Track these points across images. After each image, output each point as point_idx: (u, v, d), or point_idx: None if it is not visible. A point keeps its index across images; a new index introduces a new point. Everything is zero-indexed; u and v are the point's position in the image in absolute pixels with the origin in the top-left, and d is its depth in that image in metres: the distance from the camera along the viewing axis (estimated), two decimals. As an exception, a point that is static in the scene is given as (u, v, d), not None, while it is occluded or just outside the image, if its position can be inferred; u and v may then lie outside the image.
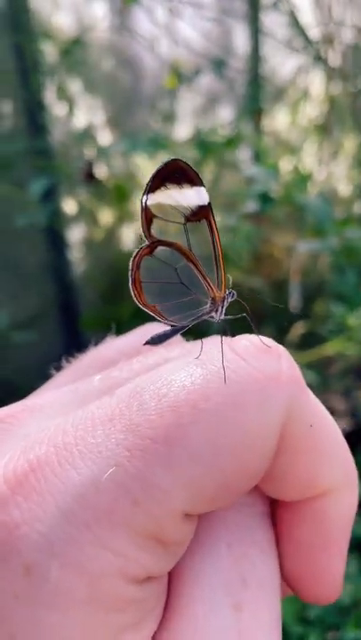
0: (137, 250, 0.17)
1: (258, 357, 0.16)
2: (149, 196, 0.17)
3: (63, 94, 0.85)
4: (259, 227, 0.91)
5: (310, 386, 0.17)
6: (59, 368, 0.21)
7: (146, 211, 0.17)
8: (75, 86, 0.88)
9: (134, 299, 0.18)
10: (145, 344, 0.18)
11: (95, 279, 0.94)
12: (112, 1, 0.81)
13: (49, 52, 0.84)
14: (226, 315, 0.19)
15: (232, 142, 0.82)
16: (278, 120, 1.06)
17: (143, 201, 0.17)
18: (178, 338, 0.20)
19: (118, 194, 0.88)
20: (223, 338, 0.17)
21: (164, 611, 0.16)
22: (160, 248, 0.18)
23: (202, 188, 0.17)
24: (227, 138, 0.82)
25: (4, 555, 0.13)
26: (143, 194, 0.17)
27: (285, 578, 0.17)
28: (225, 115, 1.03)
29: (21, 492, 0.14)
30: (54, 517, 0.14)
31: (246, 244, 0.87)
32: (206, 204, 0.17)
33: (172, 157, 0.17)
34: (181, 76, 0.86)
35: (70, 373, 0.20)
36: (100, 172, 0.83)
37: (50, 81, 0.85)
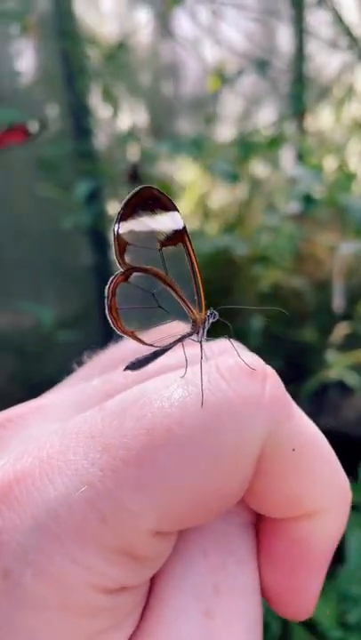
0: (112, 277, 0.18)
1: (240, 380, 0.16)
2: (121, 224, 0.17)
3: (108, 97, 0.86)
4: (301, 227, 0.90)
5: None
6: (81, 364, 0.22)
7: (118, 239, 0.17)
8: (119, 90, 0.90)
9: (112, 326, 0.18)
10: (125, 369, 0.18)
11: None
12: (155, 5, 0.82)
13: (94, 56, 0.85)
14: (208, 336, 0.19)
15: (275, 143, 0.82)
16: (322, 119, 1.04)
17: (115, 230, 0.17)
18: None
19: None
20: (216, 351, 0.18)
21: (143, 612, 0.16)
22: (137, 274, 0.18)
23: (175, 213, 0.18)
24: (269, 138, 0.82)
25: None
26: (115, 222, 0.17)
27: (262, 589, 0.17)
28: (268, 115, 1.03)
29: (5, 502, 0.15)
30: (30, 528, 0.14)
31: (288, 245, 0.86)
32: (181, 228, 0.18)
33: (144, 185, 0.17)
34: (224, 78, 0.87)
35: (85, 372, 0.21)
36: (144, 173, 0.84)
37: (94, 85, 0.86)
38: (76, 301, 0.89)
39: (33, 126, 0.58)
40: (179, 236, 0.18)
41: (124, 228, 0.17)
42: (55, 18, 0.82)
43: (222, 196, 0.98)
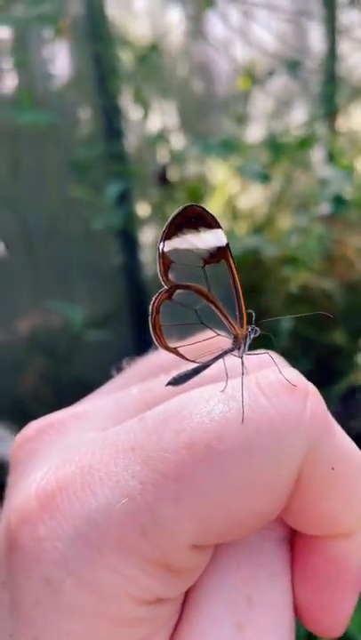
0: (156, 295, 0.18)
1: (280, 396, 0.16)
2: (166, 242, 0.18)
3: (139, 99, 0.87)
4: (332, 228, 0.89)
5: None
6: (120, 369, 0.22)
7: (163, 257, 0.18)
8: (150, 91, 0.90)
9: (155, 342, 0.18)
10: (167, 385, 0.18)
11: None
12: (186, 7, 0.82)
13: (126, 58, 0.86)
14: (249, 350, 0.19)
15: (305, 143, 0.81)
16: (354, 120, 1.03)
17: (160, 248, 0.18)
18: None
19: (191, 197, 0.89)
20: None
21: (178, 621, 0.16)
22: (180, 291, 0.18)
23: (219, 231, 0.18)
24: (300, 139, 0.82)
25: (30, 563, 0.15)
26: (160, 241, 0.18)
27: (294, 605, 0.17)
28: (299, 115, 1.02)
29: (48, 510, 0.15)
30: (71, 538, 0.15)
31: (318, 246, 0.85)
32: (224, 245, 0.18)
33: (188, 204, 0.17)
34: (255, 78, 0.86)
35: (123, 379, 0.21)
36: (174, 175, 0.85)
37: (126, 86, 0.87)
38: (106, 302, 0.90)
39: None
40: (222, 254, 0.18)
41: (169, 246, 0.18)
42: (88, 20, 0.83)
43: (252, 197, 0.97)
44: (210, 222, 0.18)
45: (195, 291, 0.18)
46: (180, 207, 0.17)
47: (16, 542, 0.15)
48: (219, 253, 0.18)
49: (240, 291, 0.18)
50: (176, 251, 0.18)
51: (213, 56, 0.90)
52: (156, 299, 0.18)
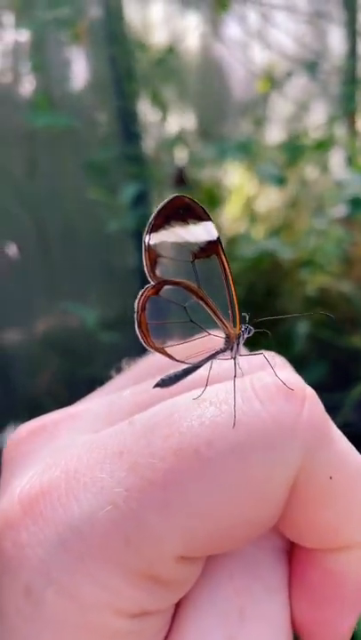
0: (141, 291, 0.17)
1: (275, 400, 0.15)
2: (152, 235, 0.17)
3: (156, 101, 0.87)
4: (350, 230, 0.88)
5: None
6: (119, 370, 0.21)
7: (149, 251, 0.17)
8: (167, 93, 0.90)
9: (141, 341, 0.18)
10: (155, 386, 0.17)
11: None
12: (203, 10, 0.82)
13: (143, 60, 0.86)
14: (242, 351, 0.18)
15: (324, 145, 0.81)
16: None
17: (146, 241, 0.17)
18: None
19: (208, 199, 0.89)
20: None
21: (169, 632, 0.16)
22: (168, 287, 0.17)
23: (209, 223, 0.17)
24: (318, 141, 0.81)
25: (12, 569, 0.14)
26: (145, 233, 0.17)
27: (292, 619, 0.17)
28: (318, 117, 1.01)
29: (31, 515, 0.15)
30: (53, 545, 0.14)
31: (336, 249, 0.85)
32: (215, 239, 0.17)
33: (176, 194, 0.16)
34: (274, 80, 0.86)
35: (120, 380, 0.21)
36: (191, 177, 0.85)
37: (143, 89, 0.87)
38: (121, 303, 0.90)
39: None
40: (212, 248, 0.17)
41: (155, 239, 0.17)
42: (105, 24, 0.84)
43: (270, 199, 0.97)
44: (199, 214, 0.17)
45: (184, 287, 0.17)
46: (168, 198, 0.16)
47: None
48: (209, 247, 0.17)
49: (233, 288, 0.17)
50: (163, 244, 0.17)
51: (231, 58, 0.90)
52: (141, 295, 0.17)
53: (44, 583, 0.14)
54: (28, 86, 0.83)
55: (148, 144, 0.91)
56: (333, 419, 0.16)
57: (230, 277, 0.17)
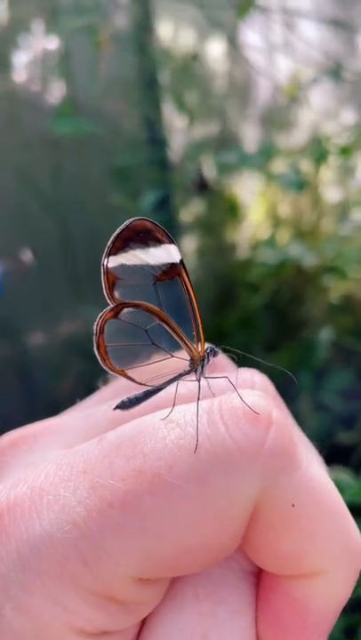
0: (100, 314, 0.17)
1: (240, 425, 0.15)
2: (110, 258, 0.17)
3: (181, 108, 0.87)
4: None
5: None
6: (106, 381, 0.21)
7: (107, 273, 0.17)
8: (191, 100, 0.91)
9: (101, 364, 0.17)
10: (114, 409, 0.17)
11: (205, 288, 0.96)
12: (228, 18, 0.82)
13: (168, 67, 0.87)
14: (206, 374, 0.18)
15: (347, 150, 0.80)
16: None
17: (104, 264, 0.17)
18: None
19: (231, 205, 0.89)
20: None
21: None
22: (128, 310, 0.17)
23: (172, 246, 0.17)
24: (342, 146, 0.81)
25: None
26: (104, 256, 0.17)
27: None
28: (343, 122, 1.01)
29: None
30: (13, 562, 0.14)
31: (360, 255, 0.84)
32: (178, 261, 0.17)
33: (136, 217, 0.16)
34: (299, 86, 0.86)
35: (102, 394, 0.21)
36: (213, 183, 0.85)
37: (168, 96, 0.88)
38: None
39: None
40: (175, 270, 0.17)
41: (114, 261, 0.17)
42: (132, 31, 0.85)
43: (294, 205, 0.97)
44: (160, 237, 0.17)
45: (144, 309, 0.17)
46: (127, 221, 0.17)
47: None
48: (172, 270, 0.17)
49: (197, 309, 0.17)
50: (123, 267, 0.17)
51: (257, 63, 0.90)
52: (100, 318, 0.17)
53: (4, 599, 0.14)
54: (54, 93, 0.84)
55: (172, 150, 0.91)
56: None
57: (194, 298, 0.17)
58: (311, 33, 0.82)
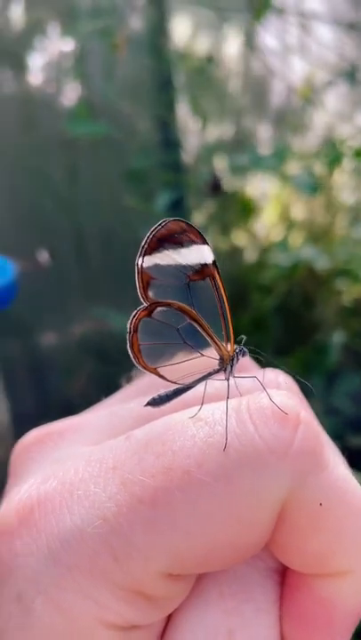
0: (134, 313, 0.17)
1: (268, 425, 0.15)
2: (145, 258, 0.17)
3: (196, 111, 0.88)
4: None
5: None
6: (130, 379, 0.21)
7: (142, 273, 0.17)
8: (206, 103, 0.91)
9: (134, 362, 0.18)
10: (146, 405, 0.18)
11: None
12: (243, 20, 0.83)
13: (183, 70, 0.87)
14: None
15: (361, 153, 0.80)
16: None
17: (138, 264, 0.17)
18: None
19: (244, 207, 0.90)
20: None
21: None
22: (161, 309, 0.17)
23: (205, 247, 0.17)
24: (356, 149, 0.80)
25: (5, 576, 0.15)
26: (138, 256, 0.17)
27: None
28: (358, 125, 1.00)
29: (26, 525, 0.15)
30: (44, 556, 0.14)
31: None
32: (210, 262, 0.17)
33: (171, 218, 0.17)
34: (313, 88, 0.86)
35: (126, 392, 0.21)
36: (227, 185, 0.85)
37: (182, 98, 0.88)
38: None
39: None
40: (207, 270, 0.17)
41: (149, 261, 0.17)
42: (147, 33, 0.85)
43: (307, 208, 0.97)
44: (194, 238, 0.17)
45: (176, 308, 0.17)
46: (162, 221, 0.17)
47: None
48: (204, 270, 0.17)
49: (227, 309, 0.17)
50: (157, 266, 0.17)
51: (270, 67, 0.90)
52: (133, 317, 0.17)
53: (34, 592, 0.14)
54: (69, 95, 0.84)
55: (186, 152, 0.91)
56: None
57: (225, 298, 0.17)
58: (326, 35, 0.82)
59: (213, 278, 0.17)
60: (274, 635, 0.16)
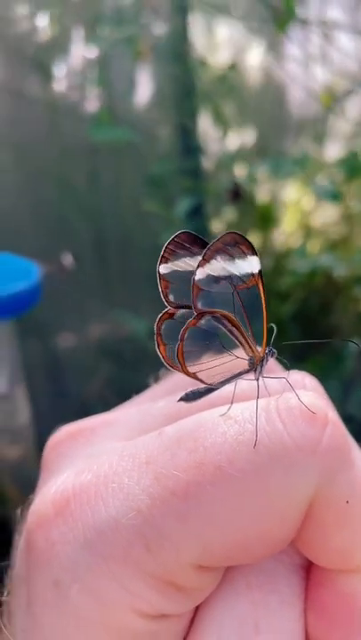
0: (186, 324, 0.18)
1: (297, 423, 0.15)
2: (199, 269, 0.17)
3: (218, 118, 0.88)
4: None
5: None
6: (157, 379, 0.22)
7: (195, 286, 0.18)
8: (228, 110, 0.92)
9: (179, 369, 0.18)
10: (179, 401, 0.18)
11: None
12: (266, 30, 0.83)
13: (205, 78, 0.88)
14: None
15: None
16: None
17: (194, 276, 0.18)
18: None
19: (263, 214, 0.90)
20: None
21: (186, 637, 0.16)
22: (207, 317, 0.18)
23: (254, 257, 0.18)
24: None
25: (42, 563, 0.16)
26: (195, 271, 0.18)
27: (305, 634, 0.17)
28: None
29: (62, 515, 0.16)
30: (80, 545, 0.15)
31: None
32: (257, 272, 0.18)
33: (228, 231, 0.18)
34: (335, 97, 0.86)
35: (156, 391, 0.21)
36: (247, 192, 0.85)
37: (204, 105, 0.89)
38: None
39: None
40: (253, 279, 0.18)
41: (202, 273, 0.18)
42: (170, 42, 0.86)
43: (327, 215, 0.97)
44: (245, 250, 0.18)
45: (220, 316, 0.18)
46: (221, 234, 0.18)
47: (32, 542, 0.16)
48: (250, 279, 0.18)
49: (265, 315, 0.18)
50: (208, 277, 0.18)
51: (292, 77, 0.91)
52: (186, 327, 0.18)
53: (70, 579, 0.15)
54: (92, 101, 0.86)
55: (207, 158, 0.92)
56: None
57: (264, 306, 0.18)
58: (348, 44, 0.83)
59: (257, 286, 0.18)
60: (298, 627, 0.16)
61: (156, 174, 0.83)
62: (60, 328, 0.90)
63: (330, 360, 0.87)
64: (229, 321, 0.18)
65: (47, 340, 0.89)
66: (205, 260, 0.17)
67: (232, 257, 0.18)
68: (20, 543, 0.17)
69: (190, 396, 0.18)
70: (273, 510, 0.15)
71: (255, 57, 0.90)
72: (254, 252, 0.18)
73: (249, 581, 0.17)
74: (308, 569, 0.17)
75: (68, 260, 0.58)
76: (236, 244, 0.18)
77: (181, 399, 0.18)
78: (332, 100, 0.85)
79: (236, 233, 0.18)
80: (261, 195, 0.90)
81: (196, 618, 0.16)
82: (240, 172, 0.87)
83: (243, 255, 0.18)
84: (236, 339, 0.19)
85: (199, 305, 0.18)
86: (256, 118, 0.96)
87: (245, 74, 0.91)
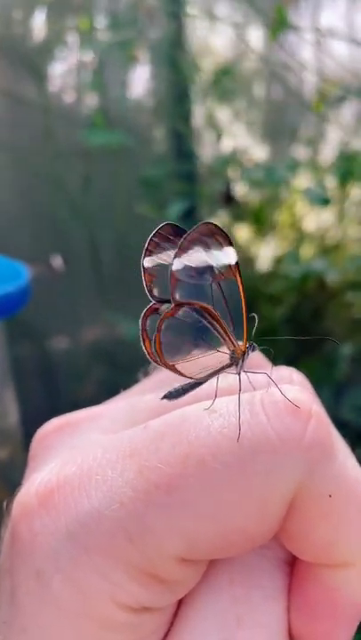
0: (163, 314, 0.18)
1: (281, 417, 0.15)
2: (176, 260, 0.17)
3: (212, 122, 0.89)
4: None
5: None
6: (146, 373, 0.22)
7: (173, 276, 0.17)
8: (224, 113, 0.92)
9: (157, 360, 0.18)
10: (162, 399, 0.18)
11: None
12: (260, 34, 0.84)
13: (200, 81, 0.88)
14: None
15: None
16: None
17: (172, 268, 0.17)
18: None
19: (256, 217, 0.90)
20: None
21: (169, 631, 0.16)
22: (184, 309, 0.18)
23: (230, 248, 0.18)
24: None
25: (25, 554, 0.16)
26: (173, 260, 0.17)
27: (288, 629, 0.17)
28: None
29: (45, 506, 0.16)
30: (63, 536, 0.15)
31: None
32: (234, 263, 0.18)
33: (204, 221, 0.17)
34: (328, 102, 0.86)
35: (144, 385, 0.22)
36: (240, 194, 0.86)
37: (199, 108, 0.89)
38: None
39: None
40: (230, 271, 0.18)
41: (178, 264, 0.17)
42: (164, 46, 0.86)
43: (320, 219, 0.97)
44: (221, 240, 0.18)
45: (199, 307, 0.18)
46: (197, 225, 0.17)
47: (16, 533, 0.16)
48: (227, 271, 0.18)
49: (244, 308, 0.18)
50: (185, 268, 0.17)
51: (293, 75, 0.91)
52: (161, 318, 0.18)
53: (53, 570, 0.15)
54: (86, 104, 0.86)
55: (200, 162, 0.92)
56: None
57: (243, 298, 0.18)
58: (342, 52, 0.83)
59: (236, 278, 0.18)
60: (281, 622, 0.16)
61: (150, 177, 0.83)
62: (53, 330, 0.90)
63: (322, 364, 0.87)
64: (209, 314, 0.18)
65: (40, 342, 0.89)
66: (182, 250, 0.17)
67: (209, 247, 0.17)
68: (4, 535, 0.17)
69: (173, 394, 0.18)
70: (256, 503, 0.15)
71: (249, 62, 0.91)
72: (230, 243, 0.18)
73: (232, 577, 0.17)
74: (293, 564, 0.17)
75: (57, 262, 0.58)
76: (213, 235, 0.17)
77: (165, 397, 0.18)
78: (324, 107, 0.85)
79: (211, 223, 0.17)
80: (255, 197, 0.90)
81: (179, 612, 0.17)
82: (234, 175, 0.87)
83: (219, 246, 0.18)
84: (217, 332, 0.18)
85: (177, 296, 0.18)
86: (252, 119, 0.96)
87: (239, 78, 0.92)
